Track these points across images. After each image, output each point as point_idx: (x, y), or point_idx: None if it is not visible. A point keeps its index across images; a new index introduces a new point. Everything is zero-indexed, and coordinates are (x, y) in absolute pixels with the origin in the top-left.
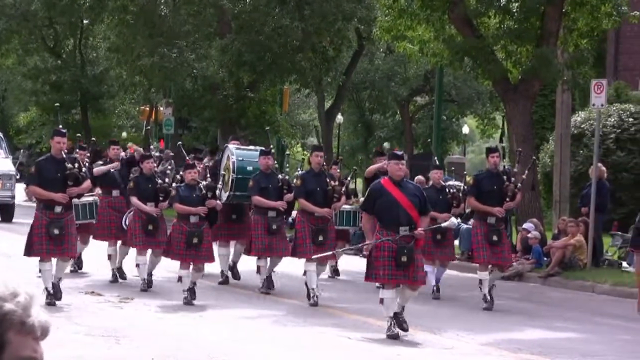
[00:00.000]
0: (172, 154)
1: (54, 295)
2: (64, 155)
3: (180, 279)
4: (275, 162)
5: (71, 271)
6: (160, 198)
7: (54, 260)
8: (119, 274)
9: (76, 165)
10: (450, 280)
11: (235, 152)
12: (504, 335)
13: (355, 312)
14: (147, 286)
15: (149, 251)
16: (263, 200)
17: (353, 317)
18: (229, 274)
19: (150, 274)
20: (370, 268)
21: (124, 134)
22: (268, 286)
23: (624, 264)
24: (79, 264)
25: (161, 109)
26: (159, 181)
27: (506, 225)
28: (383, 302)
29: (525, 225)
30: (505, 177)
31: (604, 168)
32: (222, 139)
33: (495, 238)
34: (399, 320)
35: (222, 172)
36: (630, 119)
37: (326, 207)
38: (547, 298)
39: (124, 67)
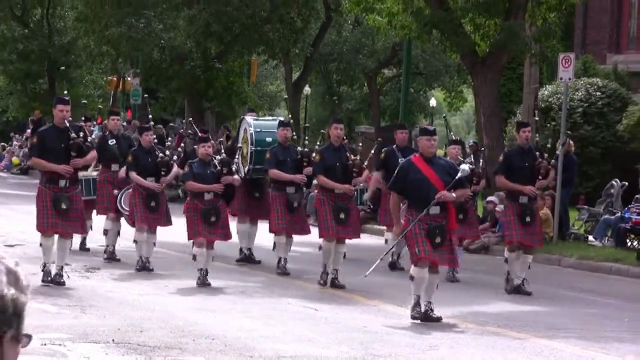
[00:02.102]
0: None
1: (50, 275)
2: (67, 124)
3: (194, 257)
4: (294, 134)
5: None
6: (162, 172)
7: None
8: (111, 257)
9: (81, 134)
10: None
11: (252, 124)
12: (470, 308)
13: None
14: (142, 268)
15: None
16: (280, 174)
17: (320, 289)
18: (247, 251)
19: (148, 261)
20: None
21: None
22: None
23: (590, 237)
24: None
25: (129, 79)
26: (160, 154)
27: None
28: (413, 279)
29: (491, 198)
30: (537, 153)
31: (571, 142)
32: (189, 110)
33: (528, 219)
34: (431, 317)
35: (240, 145)
36: (598, 93)
37: (347, 183)
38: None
39: (91, 37)
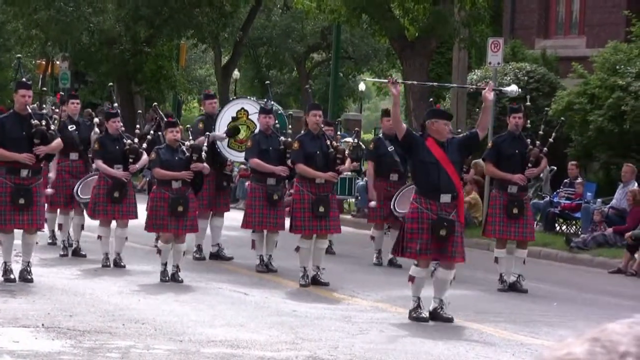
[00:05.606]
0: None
1: (11, 273)
2: (30, 111)
3: (159, 251)
4: (277, 122)
5: (48, 243)
6: (130, 160)
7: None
8: (75, 252)
9: (44, 122)
10: (346, 237)
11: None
12: (399, 293)
13: (253, 269)
14: (113, 264)
15: (113, 223)
16: (262, 164)
17: (250, 274)
18: (214, 247)
19: (119, 257)
20: (403, 240)
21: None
22: (267, 267)
23: None
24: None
25: (57, 62)
26: (128, 141)
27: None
28: (413, 280)
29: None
30: (529, 140)
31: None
32: (118, 94)
33: (515, 211)
34: (441, 317)
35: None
36: (526, 78)
37: (328, 171)
38: None
39: (20, 20)
